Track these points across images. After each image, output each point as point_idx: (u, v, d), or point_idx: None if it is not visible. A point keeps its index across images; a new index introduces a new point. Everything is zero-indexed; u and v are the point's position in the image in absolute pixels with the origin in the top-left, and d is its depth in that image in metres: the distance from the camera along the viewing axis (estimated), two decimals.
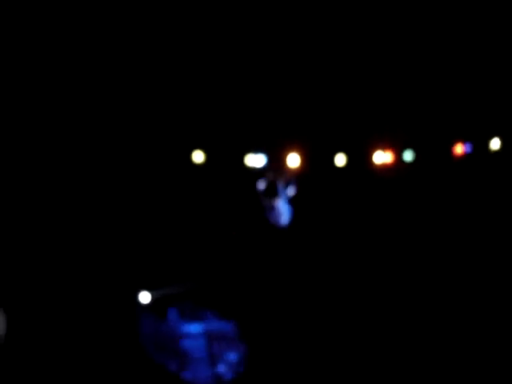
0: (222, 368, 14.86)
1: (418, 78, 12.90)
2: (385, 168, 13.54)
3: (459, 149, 13.43)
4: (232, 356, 14.97)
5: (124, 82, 13.17)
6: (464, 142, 13.37)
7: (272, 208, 9.66)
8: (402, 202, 13.63)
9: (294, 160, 13.87)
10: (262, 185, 9.80)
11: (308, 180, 13.67)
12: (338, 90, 13.15)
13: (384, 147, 13.41)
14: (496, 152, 13.16)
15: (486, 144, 13.23)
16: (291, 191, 9.78)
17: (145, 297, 14.36)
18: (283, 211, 9.54)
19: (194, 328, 15.26)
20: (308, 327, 14.14)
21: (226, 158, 13.82)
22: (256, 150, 14.11)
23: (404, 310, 13.74)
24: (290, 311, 14.16)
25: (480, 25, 12.56)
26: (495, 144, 13.11)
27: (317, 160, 13.70)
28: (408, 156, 13.29)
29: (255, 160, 13.92)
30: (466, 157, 13.34)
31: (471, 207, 13.53)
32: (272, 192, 9.73)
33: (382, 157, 13.50)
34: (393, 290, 13.81)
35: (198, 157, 13.84)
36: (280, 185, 9.67)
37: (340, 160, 13.64)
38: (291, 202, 13.65)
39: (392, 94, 13.06)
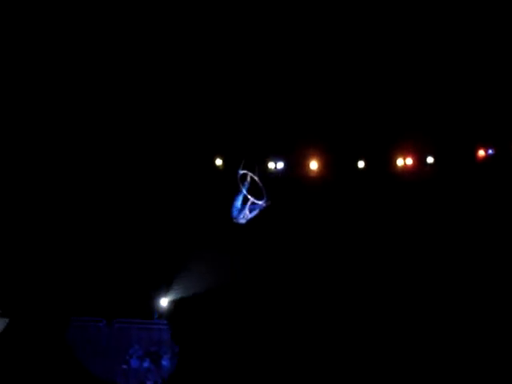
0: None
1: (441, 83, 12.88)
2: (407, 171, 13.61)
3: (481, 152, 13.56)
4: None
5: (144, 91, 13.27)
6: (486, 145, 13.46)
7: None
8: (424, 204, 13.68)
9: (313, 165, 14.02)
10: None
11: (330, 183, 13.70)
12: (360, 97, 13.18)
13: (407, 151, 13.50)
14: None
15: (509, 147, 13.33)
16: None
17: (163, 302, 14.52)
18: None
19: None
20: (307, 329, 14.26)
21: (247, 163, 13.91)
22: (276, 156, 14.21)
23: (417, 311, 13.68)
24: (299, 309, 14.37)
25: (498, 35, 12.63)
26: None
27: (339, 164, 13.77)
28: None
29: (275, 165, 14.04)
30: (488, 160, 13.45)
31: (492, 210, 13.57)
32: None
33: (404, 161, 13.62)
34: (411, 287, 13.63)
35: (218, 162, 13.97)
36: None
37: (361, 164, 13.72)
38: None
39: (414, 99, 13.12)
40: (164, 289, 14.24)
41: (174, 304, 14.25)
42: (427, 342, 13.29)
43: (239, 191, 10.36)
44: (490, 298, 13.27)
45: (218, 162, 13.76)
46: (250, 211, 10.45)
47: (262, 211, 11.34)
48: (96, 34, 12.52)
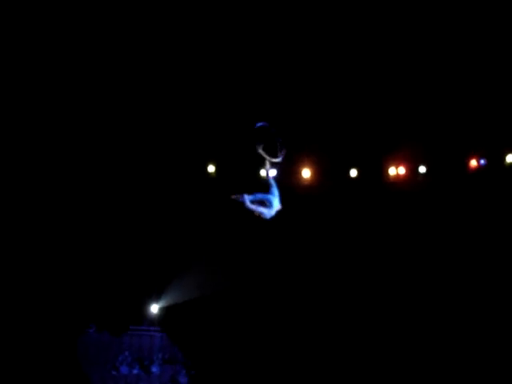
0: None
1: (434, 93, 12.87)
2: (400, 181, 13.64)
3: (473, 162, 13.60)
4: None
5: (141, 95, 13.26)
6: (478, 155, 13.52)
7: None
8: (417, 214, 13.69)
9: (306, 173, 14.01)
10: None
11: (322, 192, 13.71)
12: (353, 106, 13.18)
13: (399, 161, 13.54)
14: (510, 166, 13.27)
15: (501, 158, 13.37)
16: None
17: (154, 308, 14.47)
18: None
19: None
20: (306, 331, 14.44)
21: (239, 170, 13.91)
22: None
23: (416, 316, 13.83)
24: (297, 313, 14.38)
25: (490, 47, 12.69)
26: (510, 158, 13.21)
27: (331, 172, 13.79)
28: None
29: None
30: (480, 170, 13.50)
31: (484, 220, 13.59)
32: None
33: (396, 170, 13.66)
34: (404, 296, 13.71)
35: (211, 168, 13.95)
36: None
37: (354, 173, 13.75)
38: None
39: (407, 109, 13.12)
40: (155, 295, 14.24)
41: (165, 310, 14.26)
42: (423, 346, 13.40)
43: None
44: (481, 306, 13.36)
45: (211, 168, 13.79)
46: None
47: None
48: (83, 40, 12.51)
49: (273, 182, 9.15)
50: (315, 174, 13.70)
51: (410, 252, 13.70)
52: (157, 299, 14.21)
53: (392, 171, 13.55)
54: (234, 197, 8.74)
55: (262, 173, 13.82)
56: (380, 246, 13.77)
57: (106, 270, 13.82)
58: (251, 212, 8.75)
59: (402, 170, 13.54)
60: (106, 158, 13.60)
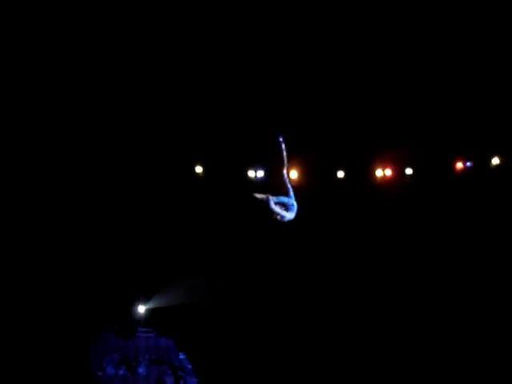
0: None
1: (421, 96, 12.94)
2: (386, 182, 13.71)
3: (460, 165, 13.70)
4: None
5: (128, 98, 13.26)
6: (465, 158, 13.62)
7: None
8: (403, 215, 13.79)
9: (293, 174, 14.04)
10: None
11: (310, 193, 13.73)
12: (341, 109, 13.23)
13: (386, 162, 13.62)
14: (496, 168, 13.38)
15: (487, 160, 13.49)
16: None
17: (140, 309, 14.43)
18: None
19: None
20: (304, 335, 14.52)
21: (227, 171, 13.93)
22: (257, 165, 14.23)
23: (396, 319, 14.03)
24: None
25: (478, 50, 12.78)
26: (495, 160, 13.34)
27: (319, 173, 13.83)
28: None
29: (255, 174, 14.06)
30: (466, 172, 13.60)
31: (470, 221, 13.73)
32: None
33: (383, 172, 13.73)
34: (390, 297, 13.79)
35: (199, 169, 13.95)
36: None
37: (341, 174, 13.79)
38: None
39: (394, 111, 13.20)
40: (143, 297, 14.21)
41: (152, 312, 14.24)
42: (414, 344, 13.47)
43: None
44: (471, 306, 13.49)
45: (199, 169, 13.80)
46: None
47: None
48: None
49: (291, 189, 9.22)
50: (302, 175, 13.74)
51: (396, 252, 13.79)
52: (144, 301, 14.21)
53: (379, 173, 13.64)
54: (259, 196, 8.81)
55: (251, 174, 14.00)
56: (367, 247, 13.85)
57: (95, 273, 13.80)
58: (271, 213, 8.84)
59: (388, 172, 13.64)
60: (99, 159, 13.60)
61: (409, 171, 13.58)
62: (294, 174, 13.78)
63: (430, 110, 13.12)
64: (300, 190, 13.56)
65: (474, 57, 12.68)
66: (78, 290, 13.62)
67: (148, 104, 13.07)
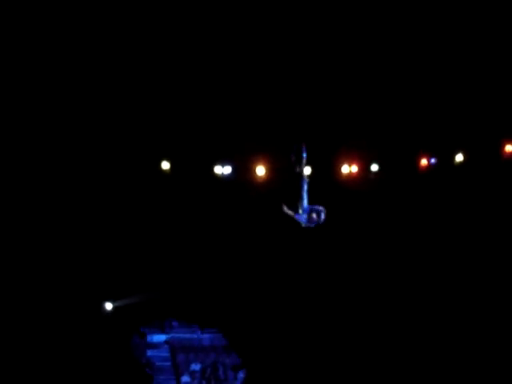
0: (186, 378, 14.82)
1: (384, 91, 12.99)
2: (351, 179, 13.76)
3: (424, 161, 13.76)
4: (195, 366, 14.95)
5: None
6: (429, 154, 13.70)
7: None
8: (368, 212, 13.85)
9: (260, 170, 14.04)
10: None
11: (275, 189, 13.76)
12: (306, 103, 13.19)
13: (352, 159, 13.65)
14: (460, 164, 13.48)
15: (451, 157, 13.60)
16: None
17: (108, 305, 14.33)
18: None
19: (158, 338, 15.20)
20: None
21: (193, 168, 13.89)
22: (223, 161, 14.21)
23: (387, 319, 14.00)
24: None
25: (451, 46, 12.86)
26: (459, 157, 13.44)
27: (285, 170, 13.81)
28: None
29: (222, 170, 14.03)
30: (430, 169, 13.68)
31: (434, 219, 13.79)
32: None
33: (349, 168, 13.76)
34: (363, 299, 13.97)
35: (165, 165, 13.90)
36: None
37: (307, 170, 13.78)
38: None
39: (359, 106, 13.23)
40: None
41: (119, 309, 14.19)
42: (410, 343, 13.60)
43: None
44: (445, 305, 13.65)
45: (165, 165, 13.76)
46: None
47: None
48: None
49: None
50: (269, 171, 13.75)
51: (361, 250, 13.87)
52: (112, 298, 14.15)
53: (345, 169, 13.68)
54: (289, 212, 9.18)
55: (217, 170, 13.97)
56: (331, 245, 13.91)
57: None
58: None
59: (354, 168, 13.68)
60: (95, 156, 13.54)
61: (374, 168, 13.64)
62: (261, 171, 13.82)
63: (395, 105, 13.18)
64: (266, 186, 13.84)
65: (440, 52, 12.75)
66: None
67: (110, 100, 13.05)
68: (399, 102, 13.09)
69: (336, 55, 12.69)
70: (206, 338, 15.20)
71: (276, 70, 12.85)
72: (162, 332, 15.05)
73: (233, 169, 13.83)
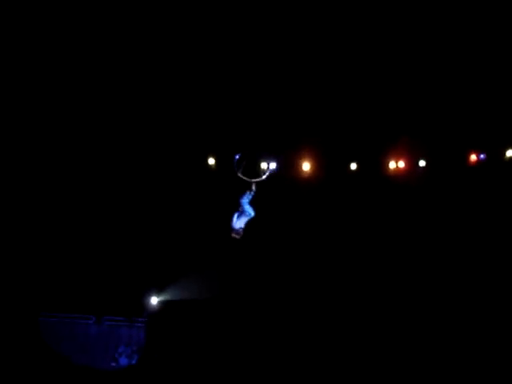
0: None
1: (435, 88, 12.88)
2: (399, 175, 13.68)
3: (473, 157, 13.63)
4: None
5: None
6: (478, 150, 13.55)
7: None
8: (416, 207, 13.73)
9: (306, 166, 14.05)
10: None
11: (322, 185, 13.75)
12: (354, 100, 13.18)
13: (399, 154, 13.57)
14: (510, 160, 13.29)
15: (501, 153, 13.42)
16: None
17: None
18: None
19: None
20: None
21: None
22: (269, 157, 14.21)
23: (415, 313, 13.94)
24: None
25: (491, 39, 12.66)
26: (509, 153, 13.24)
27: (331, 166, 13.81)
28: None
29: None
30: (479, 165, 13.53)
31: (483, 213, 13.62)
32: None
33: (396, 164, 13.69)
34: (402, 289, 13.70)
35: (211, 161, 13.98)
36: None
37: (354, 166, 13.78)
38: None
39: (407, 103, 13.15)
40: (155, 289, 14.28)
41: (163, 305, 14.29)
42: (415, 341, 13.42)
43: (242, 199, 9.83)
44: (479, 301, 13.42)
45: (211, 161, 13.81)
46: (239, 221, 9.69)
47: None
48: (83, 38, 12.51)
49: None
50: (315, 167, 13.73)
51: (409, 245, 13.75)
52: (157, 293, 14.27)
53: (392, 165, 13.60)
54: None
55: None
56: (380, 240, 13.82)
57: (107, 264, 13.89)
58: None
59: (401, 164, 13.59)
60: (108, 157, 13.69)
61: (422, 163, 13.53)
62: (306, 167, 13.81)
63: (444, 102, 13.06)
64: (313, 183, 13.83)
65: (488, 49, 12.61)
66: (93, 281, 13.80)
67: (156, 98, 13.16)
68: (449, 98, 12.96)
69: (391, 51, 12.65)
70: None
71: (323, 67, 12.88)
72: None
73: (279, 165, 13.84)
